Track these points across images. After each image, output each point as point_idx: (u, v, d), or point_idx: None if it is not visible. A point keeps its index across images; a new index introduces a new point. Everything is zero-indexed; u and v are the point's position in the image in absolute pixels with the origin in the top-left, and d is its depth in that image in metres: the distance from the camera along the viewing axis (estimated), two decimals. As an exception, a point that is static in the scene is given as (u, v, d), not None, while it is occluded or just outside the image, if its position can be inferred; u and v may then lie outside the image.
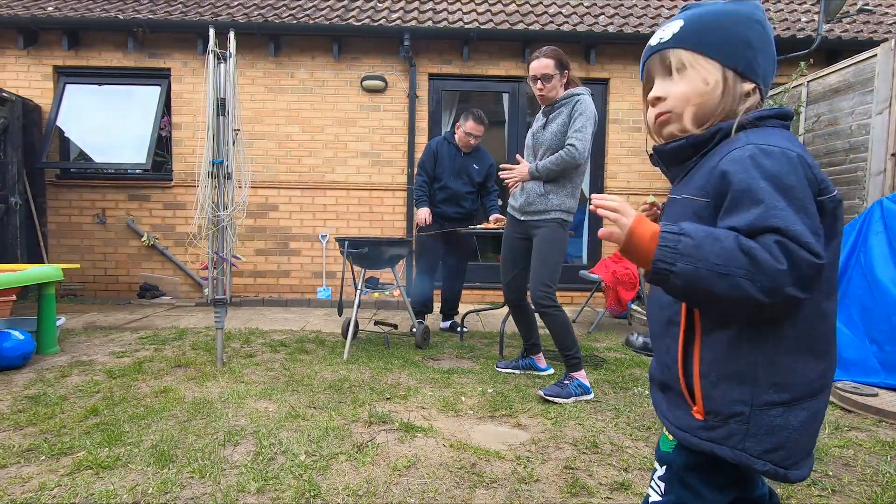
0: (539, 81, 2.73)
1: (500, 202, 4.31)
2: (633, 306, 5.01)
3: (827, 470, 1.89)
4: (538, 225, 2.77)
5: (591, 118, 2.70)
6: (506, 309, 3.38)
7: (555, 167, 2.68)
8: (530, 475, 1.82)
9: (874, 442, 2.15)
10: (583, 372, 2.71)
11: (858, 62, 3.74)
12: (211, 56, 3.02)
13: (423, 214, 4.03)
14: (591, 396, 2.66)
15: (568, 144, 2.67)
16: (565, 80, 2.78)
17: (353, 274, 3.76)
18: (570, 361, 2.71)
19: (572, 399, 2.60)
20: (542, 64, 2.71)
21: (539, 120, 2.88)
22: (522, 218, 2.85)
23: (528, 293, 2.85)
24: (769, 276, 0.72)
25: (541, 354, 3.09)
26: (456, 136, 4.13)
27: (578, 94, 2.74)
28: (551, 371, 3.07)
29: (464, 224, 4.12)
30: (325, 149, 5.86)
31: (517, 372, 3.08)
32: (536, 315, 2.87)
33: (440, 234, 4.04)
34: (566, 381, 2.67)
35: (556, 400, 2.57)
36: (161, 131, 5.84)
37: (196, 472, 1.78)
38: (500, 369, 3.10)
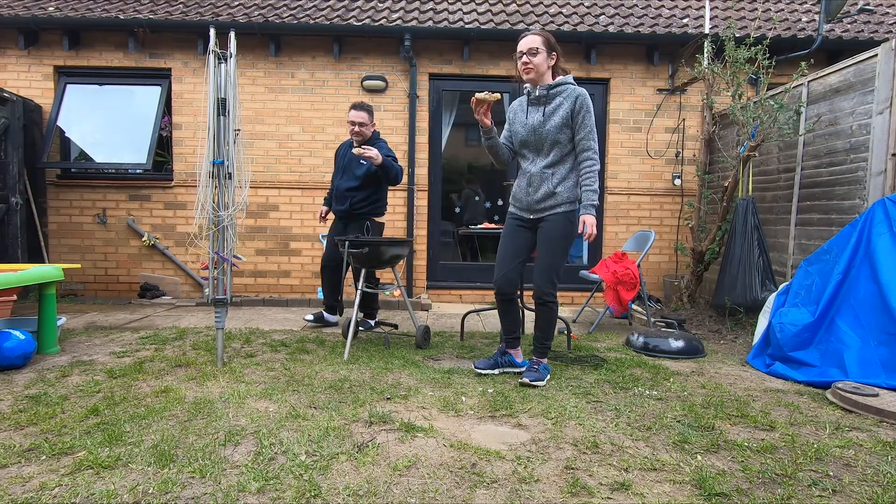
0: (525, 56, 2.79)
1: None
2: (633, 306, 5.01)
3: (827, 470, 1.89)
4: (547, 218, 2.85)
5: (593, 115, 2.81)
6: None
7: (596, 185, 2.77)
8: (530, 475, 1.82)
9: (875, 442, 2.15)
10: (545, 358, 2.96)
11: (859, 62, 3.74)
12: (211, 56, 3.02)
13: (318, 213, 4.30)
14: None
15: (587, 150, 2.78)
16: (553, 63, 2.83)
17: (354, 274, 3.76)
18: (545, 349, 2.93)
19: (545, 380, 2.83)
20: (529, 40, 2.80)
21: (533, 111, 2.88)
22: (531, 216, 2.91)
23: (521, 285, 3.02)
24: None
25: (519, 349, 3.10)
26: None
27: (576, 87, 2.82)
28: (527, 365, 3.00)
29: (350, 221, 4.06)
30: (326, 149, 5.86)
31: (496, 372, 3.00)
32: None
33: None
34: (536, 366, 2.86)
35: (537, 384, 2.76)
36: (161, 131, 5.85)
37: (197, 471, 1.78)
38: (479, 370, 2.99)
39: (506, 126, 3.04)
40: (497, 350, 3.12)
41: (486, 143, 2.90)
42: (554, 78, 2.86)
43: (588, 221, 2.73)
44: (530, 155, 2.89)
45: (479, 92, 2.74)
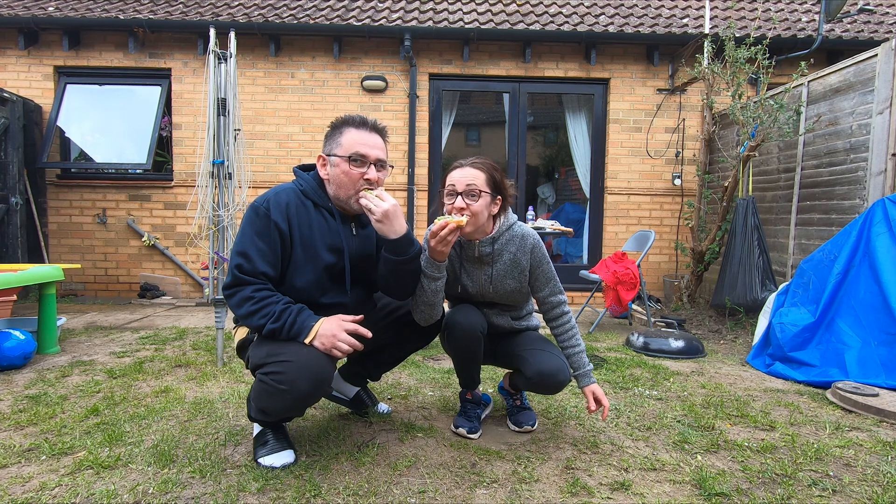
0: (460, 197, 1.98)
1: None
2: (633, 306, 5.01)
3: (827, 470, 1.89)
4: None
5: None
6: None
7: (583, 343, 2.16)
8: (530, 475, 1.82)
9: (875, 442, 2.15)
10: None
11: (859, 62, 3.74)
12: (211, 56, 3.03)
13: None
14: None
15: (560, 305, 2.14)
16: (497, 211, 2.06)
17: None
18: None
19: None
20: (468, 174, 1.99)
21: (473, 268, 2.12)
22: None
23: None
24: None
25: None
26: None
27: (522, 229, 2.11)
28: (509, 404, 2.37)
29: None
30: (326, 149, 5.85)
31: (479, 434, 2.16)
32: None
33: None
34: (519, 397, 2.34)
35: (534, 425, 2.23)
36: (161, 131, 5.85)
37: (197, 471, 1.78)
38: (467, 435, 2.14)
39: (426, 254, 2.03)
40: (465, 402, 2.26)
41: (430, 287, 1.97)
42: (494, 223, 2.09)
43: (598, 393, 2.05)
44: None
45: (450, 216, 1.93)
